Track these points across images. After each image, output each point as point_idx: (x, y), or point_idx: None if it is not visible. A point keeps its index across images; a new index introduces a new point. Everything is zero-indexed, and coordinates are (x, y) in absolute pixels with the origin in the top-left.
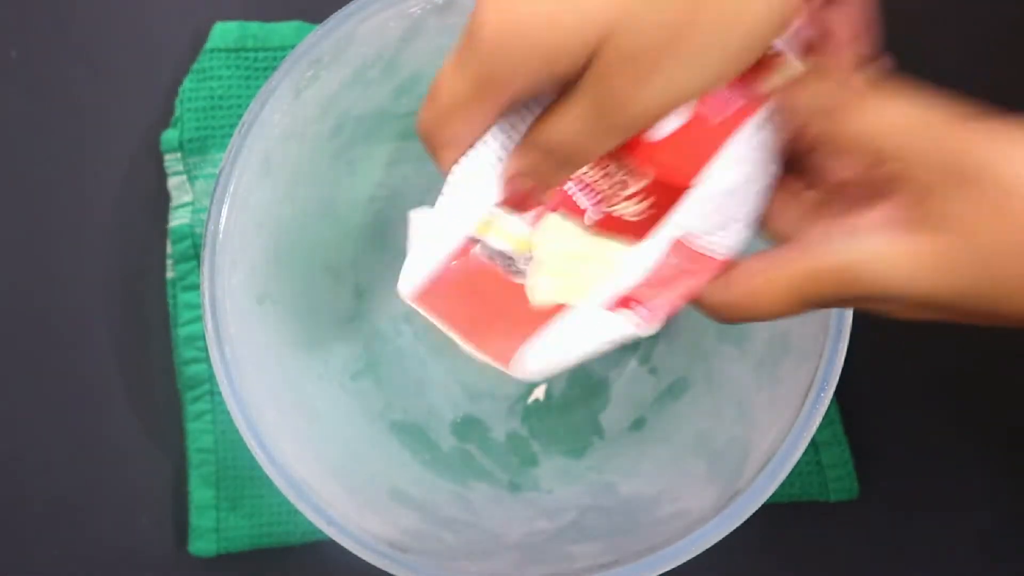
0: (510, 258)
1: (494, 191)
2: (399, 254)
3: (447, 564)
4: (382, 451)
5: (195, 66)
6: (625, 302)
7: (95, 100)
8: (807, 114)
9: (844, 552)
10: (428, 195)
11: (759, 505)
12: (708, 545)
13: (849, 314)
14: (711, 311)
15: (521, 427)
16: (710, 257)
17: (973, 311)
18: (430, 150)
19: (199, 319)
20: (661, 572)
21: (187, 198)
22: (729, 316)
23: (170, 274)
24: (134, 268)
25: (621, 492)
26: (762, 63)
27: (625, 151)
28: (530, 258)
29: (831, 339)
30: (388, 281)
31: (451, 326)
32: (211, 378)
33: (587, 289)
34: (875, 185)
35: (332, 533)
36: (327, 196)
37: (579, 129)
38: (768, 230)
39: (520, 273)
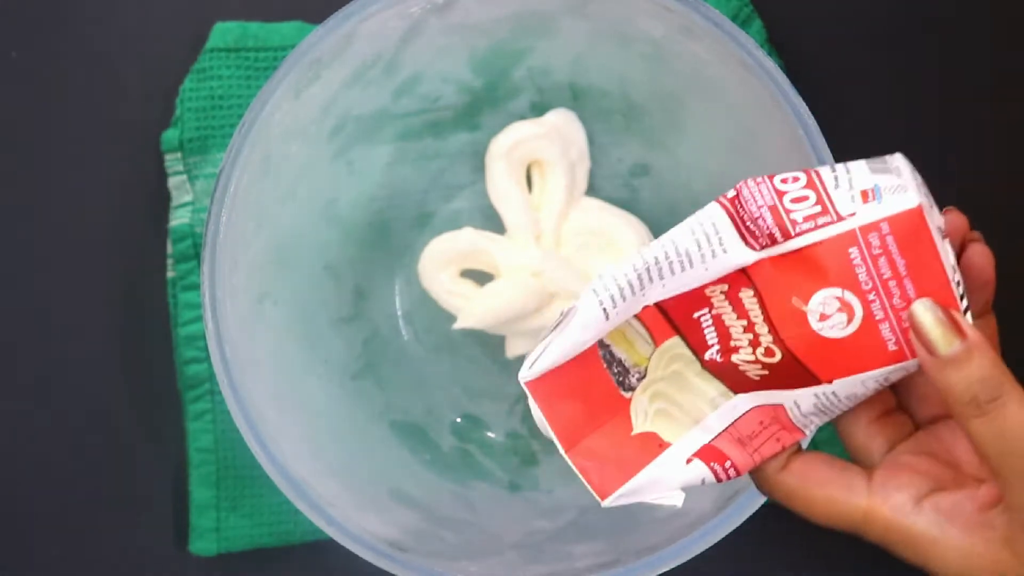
0: (626, 369)
1: (643, 301)
2: (399, 254)
3: (447, 564)
4: (382, 451)
5: (195, 66)
6: (710, 453)
7: (95, 100)
8: (954, 396)
9: (844, 552)
10: (428, 195)
11: (759, 505)
12: (708, 545)
13: None
14: (761, 480)
15: (521, 427)
16: (799, 430)
17: None
18: None
19: (199, 319)
20: (661, 572)
21: (187, 198)
22: (774, 495)
23: (170, 274)
24: (134, 268)
25: None
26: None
27: (786, 326)
28: (642, 375)
29: None
30: (388, 281)
31: (551, 422)
32: (211, 378)
33: (682, 425)
34: (973, 470)
35: (332, 533)
36: (327, 196)
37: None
38: (839, 426)
39: (629, 388)
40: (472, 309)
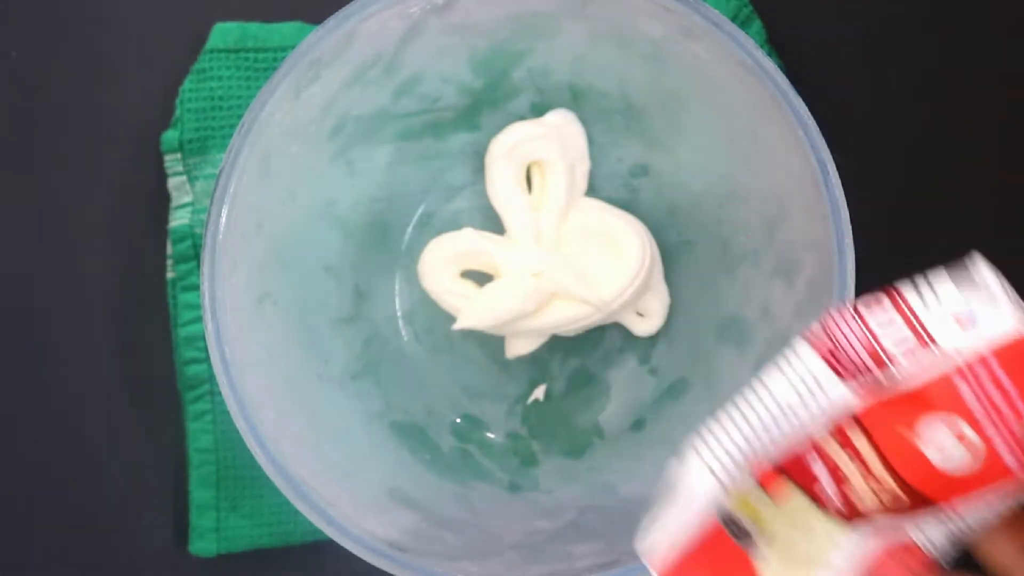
0: (750, 535)
1: (753, 460)
2: (399, 254)
3: (447, 564)
4: (382, 451)
5: (195, 66)
6: None
7: (95, 100)
8: None
9: None
10: (428, 195)
11: None
12: None
13: None
14: None
15: (521, 427)
16: (923, 552)
17: None
18: None
19: (199, 319)
20: None
21: (187, 198)
22: None
23: (170, 274)
24: (134, 268)
25: (621, 492)
26: None
27: (901, 461)
28: (758, 526)
29: None
30: (388, 281)
31: None
32: (211, 378)
33: (808, 571)
34: None
35: (332, 533)
36: (327, 196)
37: None
38: (980, 551)
39: (746, 540)
40: (472, 309)
